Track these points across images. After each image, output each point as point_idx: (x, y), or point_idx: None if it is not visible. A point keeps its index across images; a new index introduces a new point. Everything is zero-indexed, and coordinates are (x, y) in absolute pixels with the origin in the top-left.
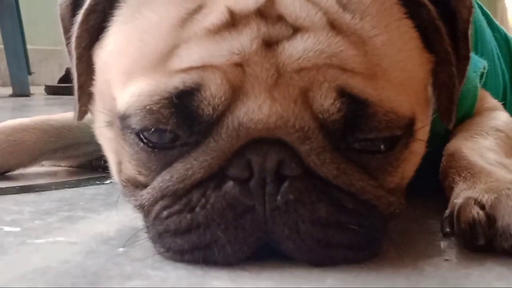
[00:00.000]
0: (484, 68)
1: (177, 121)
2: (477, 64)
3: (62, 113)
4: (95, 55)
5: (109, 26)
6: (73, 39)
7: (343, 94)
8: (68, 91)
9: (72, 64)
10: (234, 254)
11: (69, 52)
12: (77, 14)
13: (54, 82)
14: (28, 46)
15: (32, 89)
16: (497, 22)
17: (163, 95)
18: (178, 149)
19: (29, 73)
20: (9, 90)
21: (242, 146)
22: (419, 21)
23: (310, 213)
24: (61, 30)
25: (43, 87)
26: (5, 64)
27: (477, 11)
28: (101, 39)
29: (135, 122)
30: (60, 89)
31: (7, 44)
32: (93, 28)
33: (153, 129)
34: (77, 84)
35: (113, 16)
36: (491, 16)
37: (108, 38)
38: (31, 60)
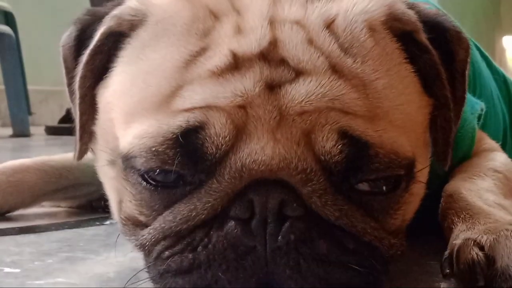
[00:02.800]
0: (482, 110)
1: (182, 161)
2: (475, 106)
3: (63, 153)
4: (99, 95)
5: (113, 66)
6: (77, 79)
7: (345, 136)
8: (68, 132)
9: (74, 103)
10: None
11: (72, 92)
12: (81, 54)
13: (54, 122)
14: (29, 87)
15: (32, 130)
16: (495, 64)
17: (167, 136)
18: (181, 189)
19: (30, 113)
20: (9, 131)
21: (244, 187)
22: (419, 65)
23: (311, 250)
24: (63, 70)
25: (43, 127)
26: (6, 104)
27: (475, 53)
28: (105, 79)
29: (140, 164)
30: (60, 129)
31: (8, 85)
32: (97, 69)
33: (158, 171)
34: (79, 123)
35: (117, 56)
36: (490, 58)
37: (112, 78)
38: (31, 101)
